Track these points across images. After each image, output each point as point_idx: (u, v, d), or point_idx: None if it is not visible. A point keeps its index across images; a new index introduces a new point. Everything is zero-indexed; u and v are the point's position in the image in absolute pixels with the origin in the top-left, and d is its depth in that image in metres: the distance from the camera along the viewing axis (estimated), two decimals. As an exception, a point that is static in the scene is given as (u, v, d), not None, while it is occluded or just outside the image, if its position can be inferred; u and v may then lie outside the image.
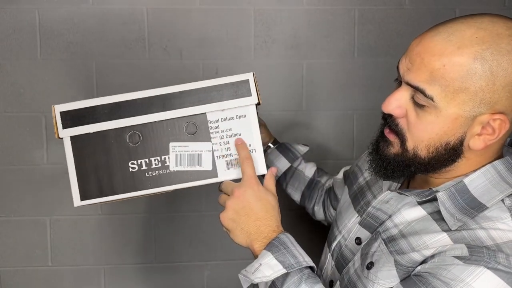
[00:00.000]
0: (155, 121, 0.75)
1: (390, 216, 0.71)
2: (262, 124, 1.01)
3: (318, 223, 1.09)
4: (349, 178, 0.92)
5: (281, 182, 1.06)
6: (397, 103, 0.65)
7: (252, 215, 0.72)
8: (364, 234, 0.76)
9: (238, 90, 0.75)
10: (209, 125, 0.75)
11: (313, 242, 1.00)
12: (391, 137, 0.68)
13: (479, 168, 0.65)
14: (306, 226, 1.24)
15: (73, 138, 0.74)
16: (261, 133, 0.79)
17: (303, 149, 1.04)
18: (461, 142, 0.64)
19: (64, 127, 0.73)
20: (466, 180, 0.65)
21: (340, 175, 0.98)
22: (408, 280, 0.63)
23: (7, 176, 1.23)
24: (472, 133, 0.63)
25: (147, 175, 0.75)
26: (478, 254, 0.58)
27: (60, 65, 1.21)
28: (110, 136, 0.74)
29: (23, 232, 1.25)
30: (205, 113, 0.75)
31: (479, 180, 0.64)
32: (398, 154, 0.68)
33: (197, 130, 0.75)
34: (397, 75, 0.67)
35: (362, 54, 1.27)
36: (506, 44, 0.59)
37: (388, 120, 0.68)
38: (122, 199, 0.75)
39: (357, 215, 0.80)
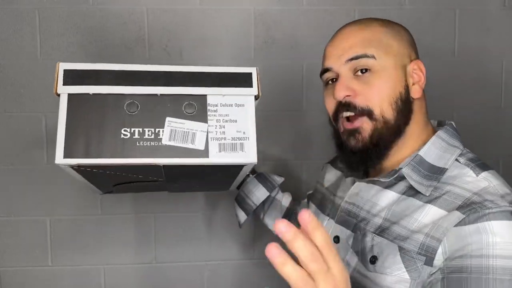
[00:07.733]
0: (157, 94, 0.75)
1: (364, 209, 0.75)
2: None
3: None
4: (312, 195, 0.96)
5: (258, 212, 1.09)
6: (345, 84, 0.74)
7: None
8: (342, 232, 0.77)
9: (241, 80, 0.78)
10: (208, 107, 0.77)
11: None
12: (359, 121, 0.74)
13: (426, 143, 0.74)
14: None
15: (71, 96, 0.73)
16: None
17: (279, 179, 1.06)
18: (408, 93, 0.74)
19: (64, 84, 0.73)
20: (421, 153, 0.73)
21: (305, 199, 1.03)
22: (447, 281, 0.61)
23: (7, 176, 1.23)
24: (410, 83, 0.74)
25: (137, 144, 0.74)
26: (471, 211, 0.63)
27: (60, 65, 1.21)
28: (108, 101, 0.74)
29: (23, 232, 1.25)
30: (206, 95, 0.77)
31: (431, 150, 0.73)
32: (370, 135, 0.73)
33: (195, 110, 0.76)
34: (326, 78, 0.79)
35: (362, 54, 1.27)
36: (393, 24, 0.77)
37: (348, 109, 0.74)
38: (107, 164, 0.73)
39: (328, 217, 0.83)
